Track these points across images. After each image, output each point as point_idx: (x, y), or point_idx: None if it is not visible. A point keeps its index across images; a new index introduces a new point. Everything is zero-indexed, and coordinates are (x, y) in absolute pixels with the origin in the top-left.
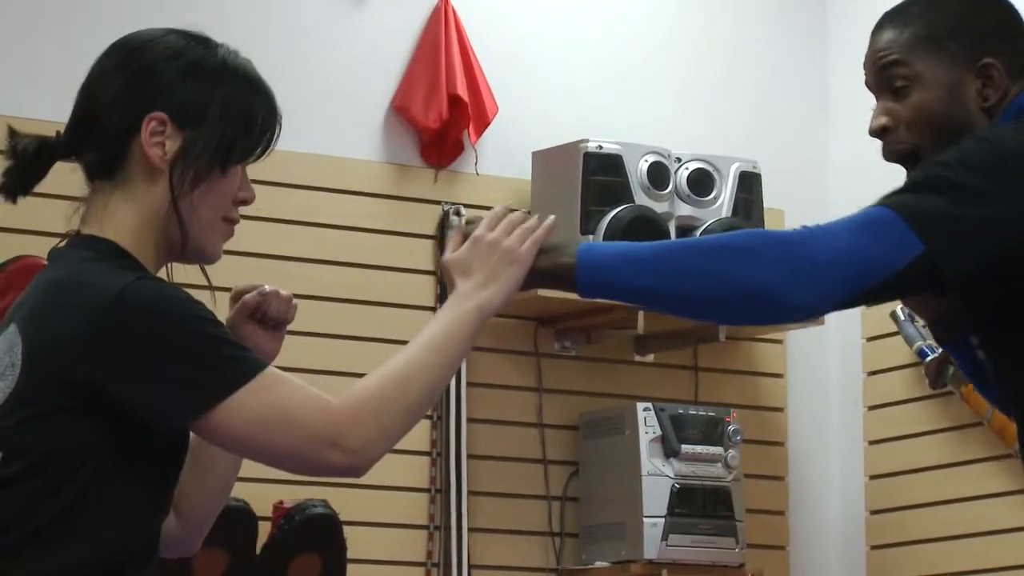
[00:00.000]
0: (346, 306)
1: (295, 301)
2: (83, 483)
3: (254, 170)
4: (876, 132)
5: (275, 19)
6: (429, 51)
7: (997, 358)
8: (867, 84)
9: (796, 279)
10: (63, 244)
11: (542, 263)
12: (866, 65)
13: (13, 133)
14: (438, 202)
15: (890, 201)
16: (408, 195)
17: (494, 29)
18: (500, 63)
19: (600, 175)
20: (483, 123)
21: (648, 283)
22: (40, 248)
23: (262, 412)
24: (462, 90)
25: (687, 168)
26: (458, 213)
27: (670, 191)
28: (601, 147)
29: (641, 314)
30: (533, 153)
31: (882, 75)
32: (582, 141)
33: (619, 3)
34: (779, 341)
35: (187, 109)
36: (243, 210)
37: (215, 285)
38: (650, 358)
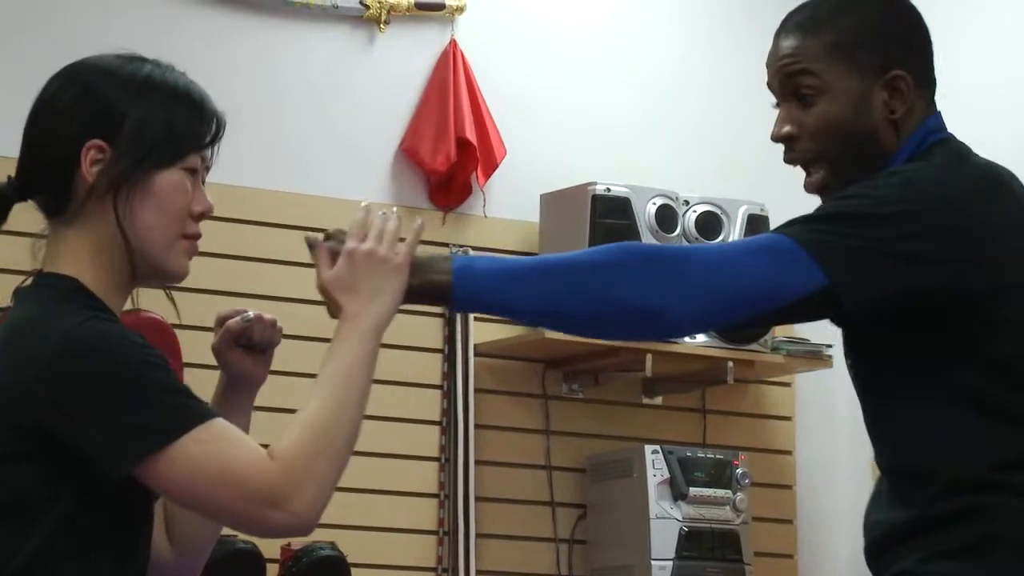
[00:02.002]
0: None
1: (279, 325)
2: (48, 529)
3: (266, 212)
4: (780, 139)
5: (284, 64)
6: (437, 94)
7: (865, 384)
8: (769, 86)
9: (679, 300)
10: (27, 283)
11: (415, 280)
12: (770, 67)
13: None
14: (446, 244)
15: (793, 231)
16: None
17: (502, 72)
18: (508, 106)
19: (608, 218)
20: (491, 166)
21: (528, 302)
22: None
23: (204, 465)
24: (470, 133)
25: (695, 211)
26: (330, 237)
27: (678, 234)
28: (609, 190)
29: (649, 356)
30: (541, 196)
31: (788, 82)
32: (590, 184)
33: (627, 47)
34: (787, 384)
35: (118, 128)
36: (254, 252)
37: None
38: (658, 400)
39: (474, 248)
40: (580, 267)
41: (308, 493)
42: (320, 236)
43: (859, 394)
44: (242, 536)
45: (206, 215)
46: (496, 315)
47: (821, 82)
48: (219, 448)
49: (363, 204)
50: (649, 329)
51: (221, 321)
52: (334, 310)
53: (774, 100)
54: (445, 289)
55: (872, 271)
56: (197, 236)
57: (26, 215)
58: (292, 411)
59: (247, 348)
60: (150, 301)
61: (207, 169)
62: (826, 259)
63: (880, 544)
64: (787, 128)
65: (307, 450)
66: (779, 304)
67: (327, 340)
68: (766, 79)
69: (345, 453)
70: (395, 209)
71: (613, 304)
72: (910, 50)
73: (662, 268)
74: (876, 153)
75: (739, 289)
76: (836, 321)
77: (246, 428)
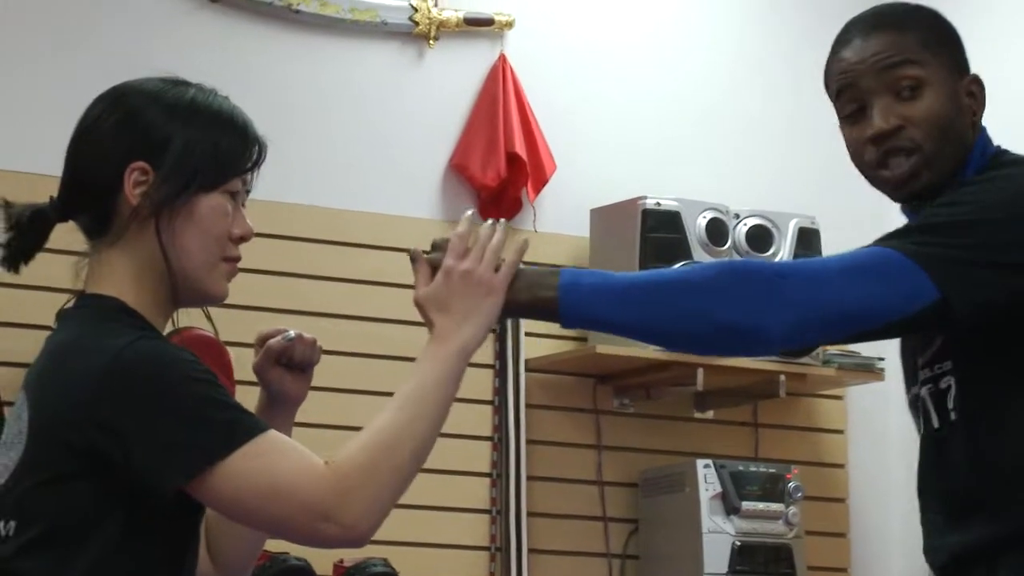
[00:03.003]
0: (408, 364)
1: (321, 345)
2: (100, 549)
3: (317, 229)
4: (888, 132)
5: (333, 80)
6: (487, 109)
7: (968, 389)
8: (851, 86)
9: (782, 317)
10: (70, 304)
11: (522, 296)
12: (858, 66)
13: (7, 204)
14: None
15: (899, 244)
16: None
17: (552, 87)
18: (558, 121)
19: (658, 232)
20: (541, 181)
21: (634, 319)
22: (47, 305)
23: (255, 479)
24: (520, 148)
25: (745, 224)
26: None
27: (729, 247)
28: (659, 204)
29: (700, 371)
30: (591, 210)
31: (886, 75)
32: (640, 198)
33: (676, 60)
34: (839, 397)
35: (162, 151)
36: (304, 269)
37: None
38: (710, 415)
39: (525, 263)
40: (682, 285)
41: (360, 506)
42: (421, 249)
43: (956, 416)
44: (295, 552)
45: (246, 239)
46: (600, 331)
47: (925, 73)
48: (270, 461)
49: (467, 214)
50: (749, 347)
51: (262, 340)
52: (428, 326)
53: (846, 110)
54: (551, 304)
55: (983, 280)
56: (237, 259)
57: (69, 235)
58: (336, 427)
59: (287, 367)
60: (201, 319)
61: (247, 192)
62: (937, 271)
63: (957, 565)
64: (895, 120)
65: (364, 463)
66: (890, 319)
67: (379, 356)
68: (842, 82)
69: (409, 471)
70: (503, 221)
71: (714, 322)
72: (965, 58)
73: (764, 286)
74: (962, 154)
75: (845, 305)
76: (946, 332)
77: None
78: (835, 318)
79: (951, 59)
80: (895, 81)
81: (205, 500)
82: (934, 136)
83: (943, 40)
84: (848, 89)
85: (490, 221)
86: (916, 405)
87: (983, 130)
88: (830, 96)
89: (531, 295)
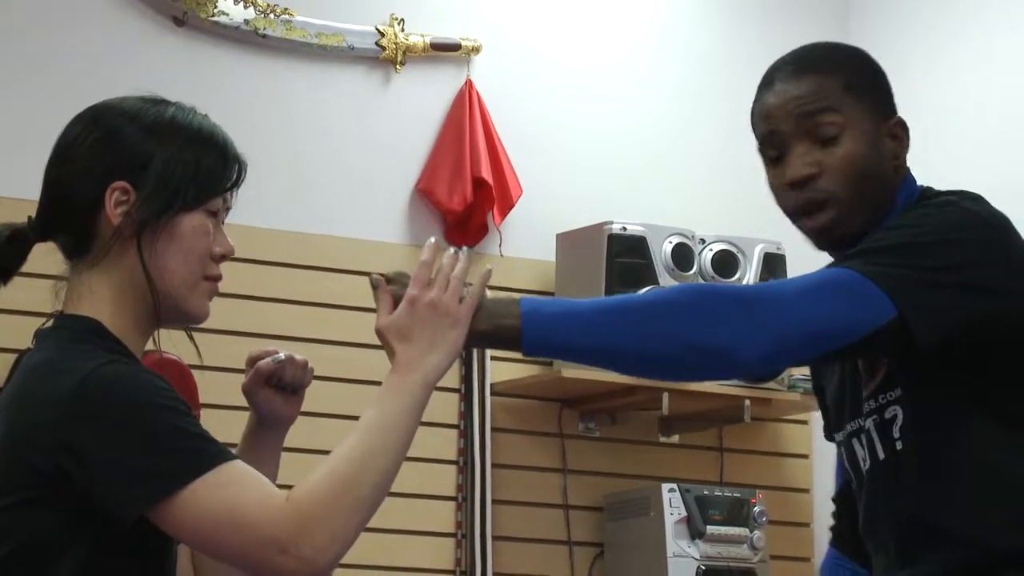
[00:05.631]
0: (373, 388)
1: (311, 366)
2: (67, 574)
3: (282, 253)
4: (802, 180)
5: (300, 104)
6: (453, 134)
7: (920, 414)
8: (772, 133)
9: (752, 338)
10: (47, 325)
11: (483, 326)
12: (777, 111)
13: None
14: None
15: (855, 265)
16: None
17: (518, 112)
18: (524, 145)
19: (624, 257)
20: (507, 205)
21: (599, 343)
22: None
23: (214, 509)
24: (486, 173)
25: (711, 249)
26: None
27: (694, 272)
28: (625, 229)
29: (666, 395)
30: (557, 235)
31: (806, 121)
32: (606, 223)
33: (643, 85)
34: (804, 422)
35: (143, 171)
36: (271, 293)
37: (242, 368)
38: (675, 439)
39: (491, 288)
40: (651, 308)
41: (319, 539)
42: (381, 277)
43: (903, 444)
44: None
45: (227, 257)
46: (563, 359)
47: (845, 120)
48: (230, 492)
49: (430, 241)
50: (721, 369)
51: (252, 361)
52: (389, 355)
53: (768, 155)
54: (514, 333)
55: (939, 299)
56: (218, 278)
57: (45, 258)
58: (300, 451)
59: (277, 388)
60: (172, 342)
61: (227, 211)
62: (893, 289)
63: None
64: (811, 169)
65: (324, 496)
66: (852, 339)
67: (345, 380)
68: (764, 128)
69: (370, 503)
70: (466, 249)
71: (685, 345)
72: (892, 100)
73: (734, 308)
74: (884, 198)
75: (811, 325)
76: (904, 354)
77: (276, 468)
78: (802, 339)
79: (874, 102)
80: (814, 127)
81: (167, 528)
82: (849, 183)
83: (866, 83)
84: (770, 135)
85: (452, 249)
86: (855, 440)
87: (907, 171)
88: (756, 137)
89: (492, 324)
